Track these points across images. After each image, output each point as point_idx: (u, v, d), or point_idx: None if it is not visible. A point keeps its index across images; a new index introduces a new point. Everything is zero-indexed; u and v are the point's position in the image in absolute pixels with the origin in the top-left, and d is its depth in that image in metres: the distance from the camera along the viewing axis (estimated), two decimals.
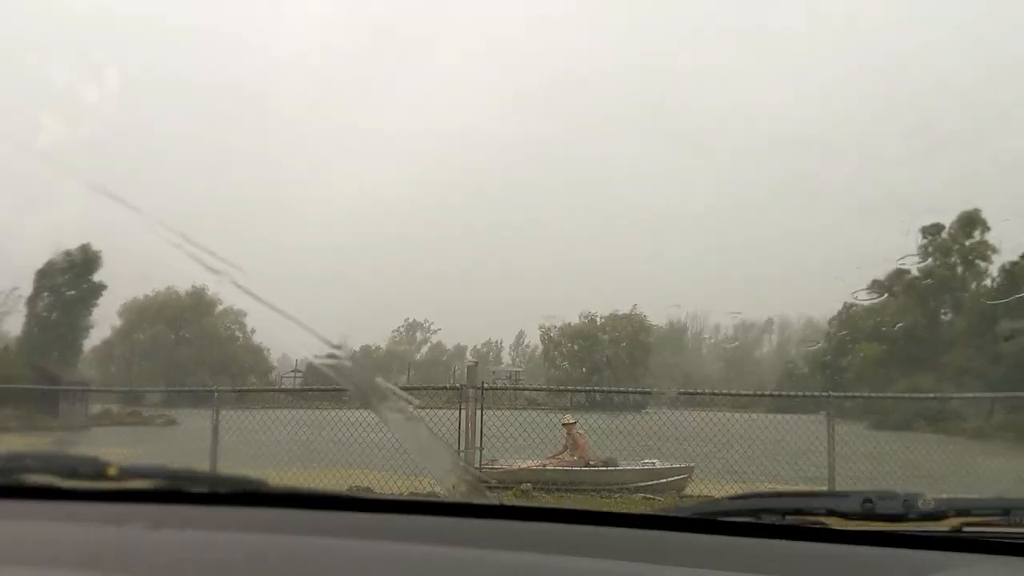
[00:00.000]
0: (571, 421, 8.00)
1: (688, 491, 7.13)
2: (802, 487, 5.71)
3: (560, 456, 7.74)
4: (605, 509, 1.46)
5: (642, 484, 7.11)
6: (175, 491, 1.52)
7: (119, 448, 9.23)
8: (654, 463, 7.70)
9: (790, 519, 1.32)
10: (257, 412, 7.90)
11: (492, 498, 1.63)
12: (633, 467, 7.69)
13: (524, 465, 7.24)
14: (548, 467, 7.36)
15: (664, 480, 7.33)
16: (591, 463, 7.71)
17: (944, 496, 1.29)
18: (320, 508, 1.44)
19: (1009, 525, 1.24)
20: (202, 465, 6.67)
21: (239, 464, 6.80)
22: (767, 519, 1.34)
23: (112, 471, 1.52)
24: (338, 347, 1.77)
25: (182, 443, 8.16)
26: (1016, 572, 1.21)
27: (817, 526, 1.33)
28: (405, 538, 1.27)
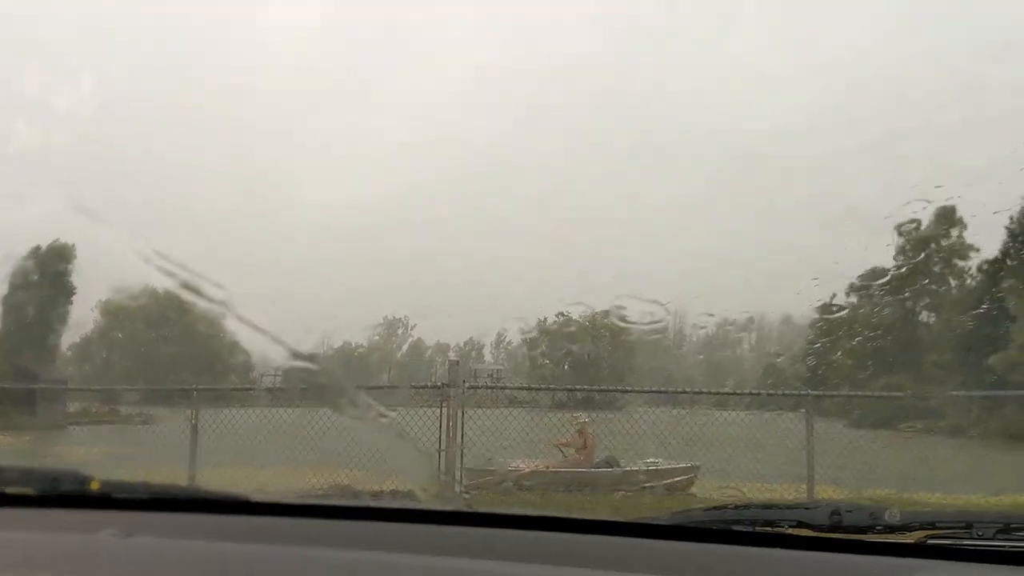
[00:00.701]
0: (585, 421, 8.05)
1: (693, 490, 7.10)
2: (775, 496, 5.78)
3: (565, 455, 7.73)
4: (577, 516, 1.48)
5: (647, 484, 7.07)
6: (150, 499, 1.52)
7: (97, 448, 9.18)
8: (658, 462, 7.62)
9: (760, 530, 1.35)
10: (237, 410, 7.87)
11: (465, 504, 1.65)
12: (638, 467, 7.59)
13: (527, 466, 7.23)
14: (552, 469, 7.34)
15: (669, 480, 7.29)
16: (595, 463, 7.70)
17: (909, 509, 1.32)
18: (293, 516, 1.45)
19: (971, 537, 1.27)
20: (181, 465, 6.64)
21: (218, 463, 6.77)
22: (738, 529, 1.36)
23: (94, 486, 1.52)
24: (309, 356, 1.78)
25: (160, 442, 8.11)
26: None
27: (787, 535, 1.35)
28: (376, 546, 1.29)
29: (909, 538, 1.32)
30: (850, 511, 1.34)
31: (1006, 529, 1.30)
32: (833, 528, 1.34)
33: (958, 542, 1.30)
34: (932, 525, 1.33)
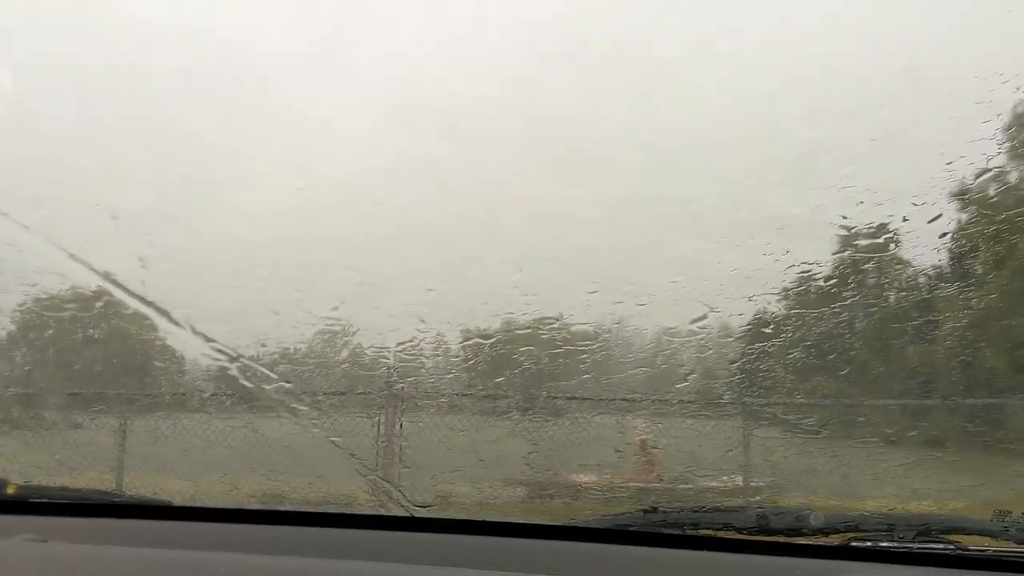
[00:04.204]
0: (645, 436, 7.56)
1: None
2: (704, 500, 5.80)
3: (636, 476, 7.33)
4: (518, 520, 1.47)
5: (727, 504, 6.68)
6: (70, 503, 1.47)
7: (19, 454, 8.88)
8: (737, 480, 7.37)
9: (689, 531, 1.36)
10: (168, 417, 7.70)
11: (401, 510, 1.63)
12: (716, 484, 7.00)
13: (591, 481, 6.85)
14: (621, 484, 6.97)
15: (749, 499, 7.05)
16: (662, 480, 7.32)
17: (833, 512, 1.35)
18: (217, 521, 1.42)
19: (892, 539, 1.30)
20: (108, 472, 6.47)
21: (147, 470, 6.61)
22: (667, 532, 1.37)
23: (10, 490, 1.47)
24: (244, 361, 1.74)
25: (87, 448, 7.88)
26: None
27: (716, 537, 1.37)
28: (301, 551, 1.26)
29: (833, 540, 1.34)
30: (776, 514, 1.36)
31: (925, 532, 1.34)
32: (760, 531, 1.36)
33: (880, 544, 1.33)
34: (855, 528, 1.36)
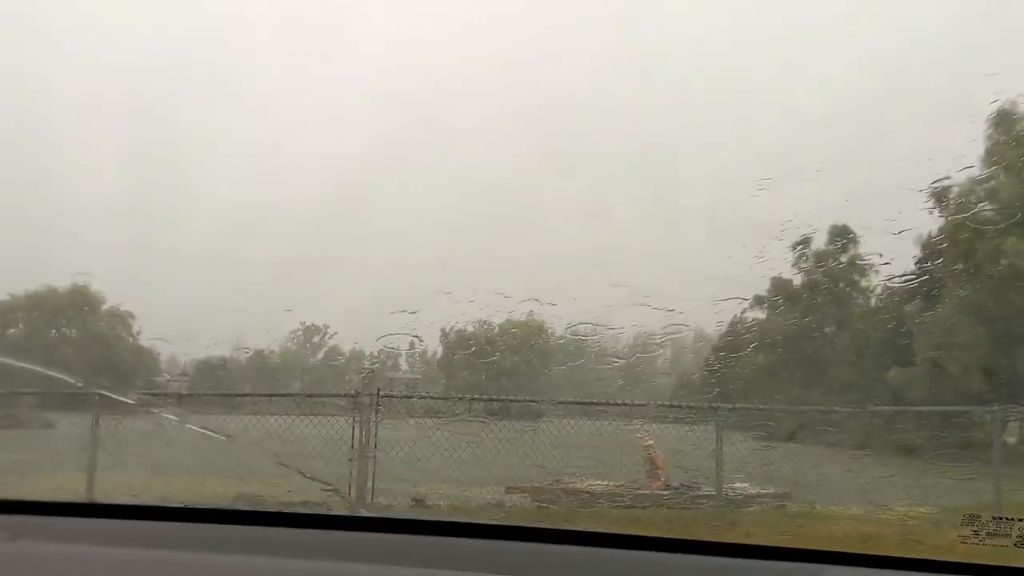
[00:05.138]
0: (650, 442, 7.54)
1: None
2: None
3: (640, 480, 7.22)
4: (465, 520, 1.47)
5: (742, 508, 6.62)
6: (39, 502, 1.45)
7: None
8: (744, 487, 7.23)
9: (663, 533, 1.37)
10: (141, 416, 7.62)
11: (361, 510, 1.62)
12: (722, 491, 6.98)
13: (601, 487, 6.75)
14: (626, 491, 6.98)
15: (757, 506, 6.90)
16: (671, 487, 7.29)
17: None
18: (188, 520, 1.41)
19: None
20: (81, 471, 6.39)
21: (121, 470, 6.54)
22: (641, 533, 1.38)
23: None
24: (219, 362, 1.73)
25: (60, 448, 7.79)
26: None
27: (693, 540, 1.38)
28: (272, 551, 1.26)
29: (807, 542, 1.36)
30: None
31: None
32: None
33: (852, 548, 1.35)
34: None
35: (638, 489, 7.15)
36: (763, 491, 7.15)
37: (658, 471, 7.58)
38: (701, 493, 7.06)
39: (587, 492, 6.94)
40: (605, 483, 7.17)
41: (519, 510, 6.45)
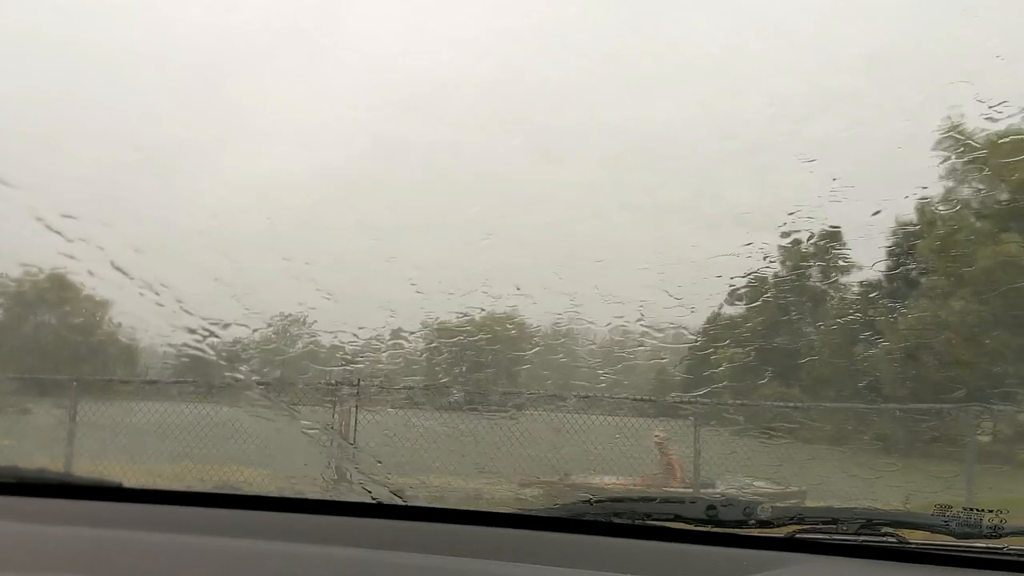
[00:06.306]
0: (662, 437, 7.29)
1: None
2: (657, 490, 5.86)
3: (653, 475, 7.03)
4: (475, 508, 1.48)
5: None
6: (17, 483, 1.44)
7: None
8: (762, 486, 6.95)
9: (638, 522, 1.39)
10: (120, 404, 7.58)
11: (365, 495, 1.63)
12: (746, 499, 6.71)
13: (606, 482, 6.59)
14: (640, 488, 6.71)
15: (776, 505, 6.63)
16: (686, 485, 7.11)
17: (780, 504, 1.38)
18: (168, 503, 1.41)
19: (837, 532, 1.34)
20: (57, 459, 6.35)
21: (98, 458, 6.50)
22: (619, 521, 1.39)
23: None
24: (198, 350, 1.73)
25: (36, 435, 7.73)
26: (842, 570, 1.31)
27: (665, 528, 1.39)
28: (251, 534, 1.26)
29: (780, 532, 1.38)
30: (725, 506, 1.39)
31: (868, 525, 1.38)
32: (709, 522, 1.38)
33: (824, 536, 1.37)
34: (801, 520, 1.40)
35: (658, 486, 6.89)
36: (786, 490, 7.05)
37: (674, 467, 7.35)
38: (716, 490, 6.92)
39: (601, 490, 6.80)
40: (616, 479, 7.00)
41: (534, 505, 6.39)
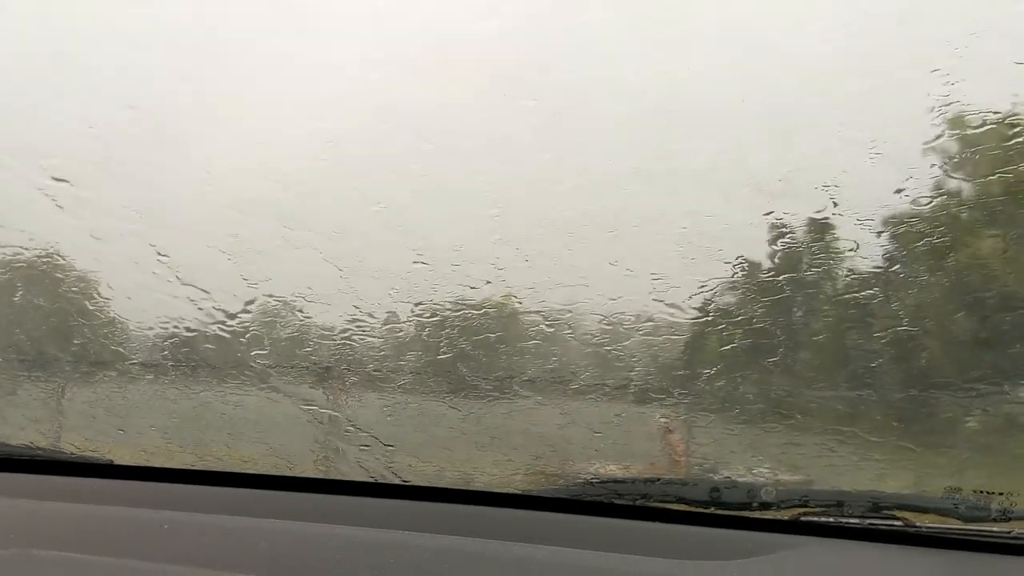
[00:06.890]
0: (667, 424, 7.19)
1: None
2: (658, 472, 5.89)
3: (660, 463, 7.08)
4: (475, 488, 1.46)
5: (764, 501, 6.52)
6: (5, 459, 1.42)
7: None
8: (764, 471, 7.15)
9: (640, 503, 1.37)
10: (112, 380, 7.52)
11: (363, 473, 1.60)
12: (750, 481, 6.85)
13: (619, 470, 6.61)
14: (644, 477, 6.67)
15: (780, 487, 6.73)
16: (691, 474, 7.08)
17: (784, 487, 1.36)
18: (159, 480, 1.38)
19: (842, 515, 1.32)
20: (45, 436, 6.30)
21: (87, 439, 6.45)
22: (621, 502, 1.37)
23: None
24: (187, 330, 1.69)
25: (26, 415, 7.68)
26: (847, 553, 1.30)
27: (668, 509, 1.37)
28: (243, 511, 1.23)
29: (784, 515, 1.36)
30: (728, 488, 1.37)
31: (874, 508, 1.36)
32: (712, 504, 1.37)
33: (829, 519, 1.35)
34: (805, 503, 1.38)
35: (661, 474, 6.98)
36: (791, 476, 7.08)
37: (678, 455, 7.41)
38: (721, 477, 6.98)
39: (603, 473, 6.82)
40: (618, 466, 7.08)
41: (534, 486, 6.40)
